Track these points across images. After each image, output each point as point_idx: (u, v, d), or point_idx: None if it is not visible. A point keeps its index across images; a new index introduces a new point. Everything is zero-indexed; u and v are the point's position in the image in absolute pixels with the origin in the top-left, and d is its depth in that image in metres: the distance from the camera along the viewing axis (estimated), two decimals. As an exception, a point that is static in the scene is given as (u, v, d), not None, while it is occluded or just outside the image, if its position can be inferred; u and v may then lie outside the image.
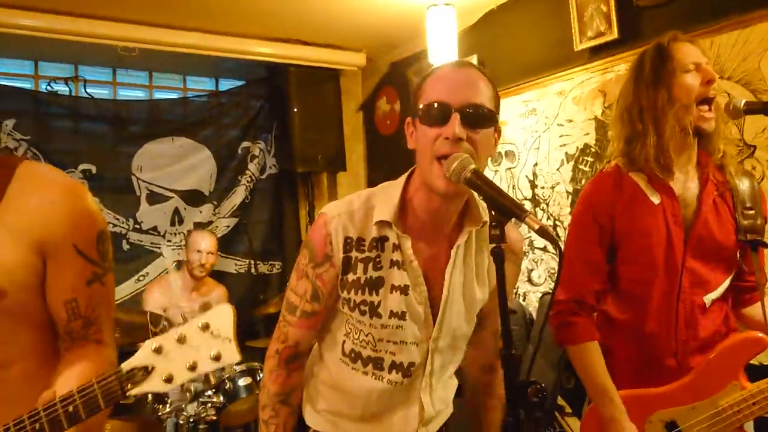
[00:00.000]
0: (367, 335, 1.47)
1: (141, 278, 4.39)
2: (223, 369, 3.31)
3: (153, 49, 4.11)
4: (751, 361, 1.81)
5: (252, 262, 4.76)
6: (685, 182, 1.82)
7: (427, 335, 1.49)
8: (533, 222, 1.16)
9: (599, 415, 1.79)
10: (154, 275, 4.43)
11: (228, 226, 4.77)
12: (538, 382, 1.24)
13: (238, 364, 3.55)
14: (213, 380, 3.20)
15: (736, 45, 2.71)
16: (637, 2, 2.87)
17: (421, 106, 1.37)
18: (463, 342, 1.58)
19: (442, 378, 1.58)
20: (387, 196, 1.45)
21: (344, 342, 1.51)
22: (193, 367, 1.11)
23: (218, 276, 4.52)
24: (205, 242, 3.95)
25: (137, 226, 4.45)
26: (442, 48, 3.67)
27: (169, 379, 1.11)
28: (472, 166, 1.26)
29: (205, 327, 1.11)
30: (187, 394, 3.21)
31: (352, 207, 1.45)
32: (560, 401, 3.15)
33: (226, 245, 4.74)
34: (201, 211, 4.67)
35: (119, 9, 3.81)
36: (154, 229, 4.51)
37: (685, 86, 1.74)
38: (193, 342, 1.11)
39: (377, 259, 1.44)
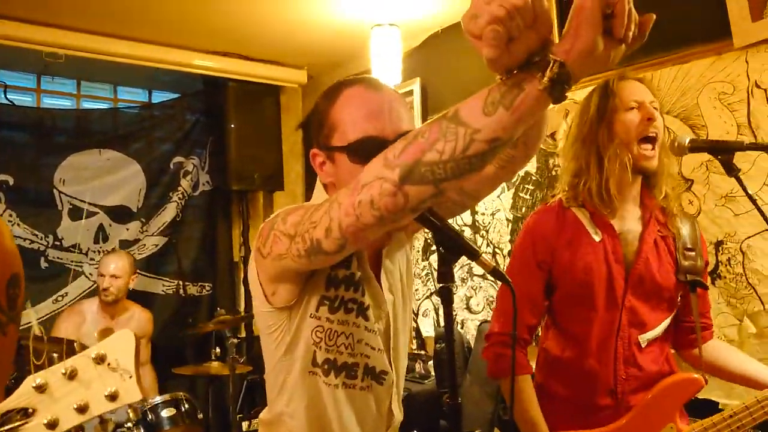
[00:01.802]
0: (348, 337, 1.34)
1: (59, 298, 4.13)
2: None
3: (82, 57, 3.90)
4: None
5: (181, 283, 4.54)
6: (627, 220, 1.84)
7: (386, 348, 1.41)
8: (486, 263, 1.12)
9: None
10: (74, 295, 4.17)
11: (156, 245, 4.55)
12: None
13: (162, 393, 3.35)
14: (109, 425, 2.95)
15: (675, 80, 2.74)
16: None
17: (344, 141, 1.24)
18: (406, 347, 1.51)
19: (401, 387, 1.49)
20: None
21: (315, 352, 1.34)
22: (82, 409, 0.96)
23: (144, 297, 4.30)
24: (114, 265, 3.69)
25: (57, 243, 4.19)
26: (385, 69, 3.61)
27: (52, 424, 0.95)
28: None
29: (100, 359, 0.98)
30: (107, 425, 2.99)
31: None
32: (497, 432, 3.11)
33: (154, 265, 4.53)
34: (128, 229, 4.44)
35: (47, 13, 3.60)
36: (76, 246, 4.25)
37: (624, 123, 1.77)
38: (84, 377, 0.97)
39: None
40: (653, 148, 1.77)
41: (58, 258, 4.18)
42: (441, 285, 1.14)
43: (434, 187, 0.97)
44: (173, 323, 4.35)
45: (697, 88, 2.69)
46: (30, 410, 0.95)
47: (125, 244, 4.39)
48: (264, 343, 1.40)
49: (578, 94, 3.12)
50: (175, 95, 4.81)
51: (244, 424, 3.60)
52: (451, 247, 1.14)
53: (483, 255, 1.12)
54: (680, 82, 2.73)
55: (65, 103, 4.61)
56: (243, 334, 4.65)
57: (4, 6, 3.49)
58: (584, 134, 1.83)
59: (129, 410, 2.98)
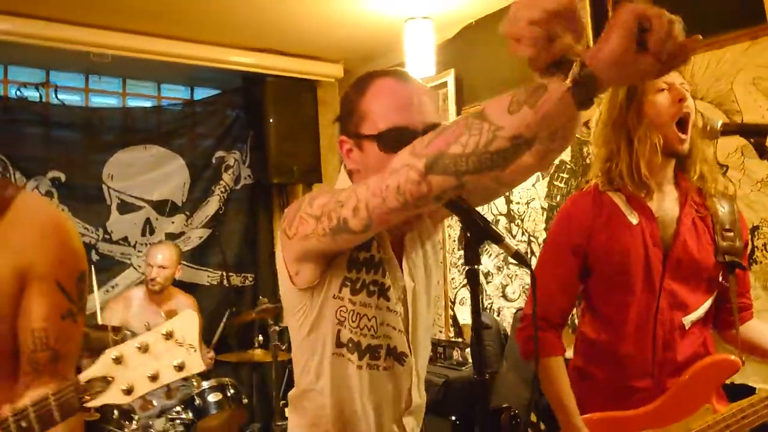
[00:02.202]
0: (370, 319, 1.37)
1: (110, 289, 4.30)
2: (186, 380, 3.23)
3: (127, 56, 4.04)
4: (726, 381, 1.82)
5: (225, 273, 4.68)
6: (664, 202, 1.83)
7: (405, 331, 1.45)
8: (509, 247, 1.15)
9: (561, 427, 1.80)
10: (123, 286, 4.34)
11: (201, 237, 4.70)
12: (512, 408, 1.23)
13: (207, 379, 3.48)
14: (175, 393, 3.11)
15: (709, 66, 2.74)
16: (613, 22, 2.88)
17: (374, 130, 1.29)
18: (428, 334, 1.52)
19: (421, 373, 1.51)
20: None
21: (339, 331, 1.36)
22: (154, 377, 1.08)
23: (190, 288, 4.45)
24: (161, 255, 3.86)
25: (107, 237, 4.36)
26: (419, 61, 3.66)
27: (129, 391, 1.08)
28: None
29: (169, 335, 1.09)
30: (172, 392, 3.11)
31: None
32: (533, 418, 3.15)
33: (198, 257, 4.68)
34: (173, 222, 4.59)
35: (93, 14, 3.73)
36: (125, 239, 4.43)
37: (655, 105, 1.77)
38: (155, 351, 1.09)
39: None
40: (686, 132, 1.77)
41: (108, 251, 4.36)
42: (468, 267, 1.18)
43: (456, 179, 1.03)
44: (217, 312, 4.50)
45: (731, 73, 2.68)
46: (109, 378, 1.08)
47: (171, 237, 4.53)
48: (289, 324, 1.45)
49: (612, 81, 3.14)
50: (216, 92, 4.93)
51: (287, 410, 3.70)
52: (476, 231, 1.18)
53: (506, 239, 1.16)
54: (714, 67, 2.72)
55: (112, 102, 4.77)
56: (283, 323, 4.76)
57: (54, 9, 3.63)
58: (614, 119, 1.83)
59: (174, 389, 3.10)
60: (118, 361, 1.08)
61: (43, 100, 4.34)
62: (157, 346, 1.09)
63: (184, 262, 4.50)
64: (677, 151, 1.78)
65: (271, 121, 4.56)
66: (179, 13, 3.79)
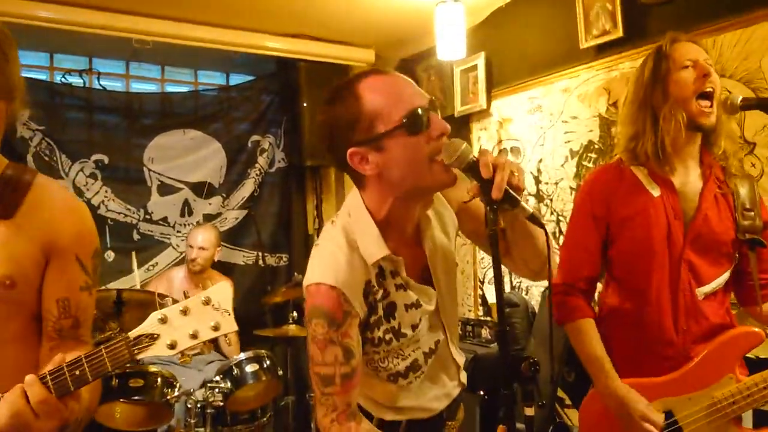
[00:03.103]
0: (396, 355, 1.50)
1: (150, 268, 4.47)
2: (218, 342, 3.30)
3: (166, 43, 4.17)
4: (749, 355, 1.87)
5: (260, 254, 4.82)
6: (687, 177, 1.88)
7: (437, 312, 1.54)
8: (525, 209, 1.24)
9: (596, 387, 1.87)
10: (163, 265, 4.51)
11: (236, 218, 4.84)
12: (531, 357, 1.30)
13: (245, 350, 3.62)
14: (206, 351, 3.23)
15: (738, 44, 2.75)
16: (642, 0, 2.91)
17: (394, 122, 1.29)
18: (454, 293, 1.62)
19: (455, 332, 1.65)
20: (363, 232, 1.41)
21: (378, 373, 1.51)
22: (194, 336, 1.23)
23: (226, 267, 4.61)
24: (201, 236, 4.01)
25: (148, 217, 4.53)
26: (449, 45, 3.72)
27: (172, 345, 1.22)
28: (473, 154, 1.27)
29: (207, 301, 1.24)
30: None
31: (340, 260, 1.38)
32: (560, 393, 3.21)
33: (234, 237, 4.82)
34: (210, 203, 4.74)
35: (134, 2, 3.88)
36: (164, 219, 4.59)
37: (680, 82, 1.81)
38: (195, 313, 1.23)
39: (385, 290, 1.45)
40: (711, 105, 1.80)
41: (148, 231, 4.52)
42: (490, 230, 1.24)
43: None
44: (253, 291, 4.65)
45: (761, 51, 2.69)
46: (155, 335, 1.22)
47: (208, 218, 4.68)
48: None
49: (639, 62, 3.16)
50: (251, 77, 5.05)
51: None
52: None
53: (522, 202, 1.24)
54: (742, 46, 2.74)
55: (151, 88, 4.92)
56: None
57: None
58: (640, 98, 1.88)
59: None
60: (163, 320, 1.22)
61: (87, 86, 4.51)
62: (197, 310, 1.23)
63: (222, 243, 4.66)
64: (702, 124, 1.82)
65: (304, 105, 4.66)
66: (216, 0, 3.91)
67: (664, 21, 3.05)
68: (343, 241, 1.41)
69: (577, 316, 1.92)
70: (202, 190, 4.71)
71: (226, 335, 1.31)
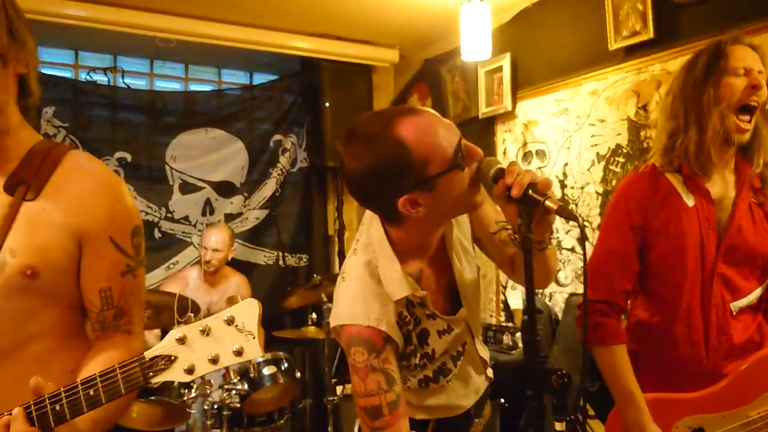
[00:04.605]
0: (429, 369, 1.53)
1: (171, 266, 4.47)
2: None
3: (189, 41, 4.18)
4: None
5: (280, 254, 4.80)
6: (722, 186, 1.80)
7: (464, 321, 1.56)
8: (552, 203, 1.20)
9: (624, 419, 1.78)
10: (184, 264, 4.50)
11: (258, 218, 4.82)
12: (562, 370, 1.25)
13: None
14: (233, 376, 3.22)
15: (774, 47, 2.65)
16: (674, 0, 2.83)
17: (447, 162, 1.28)
18: (478, 297, 1.64)
19: (479, 328, 1.67)
20: (387, 268, 1.41)
21: (408, 381, 1.53)
22: (214, 360, 1.12)
23: (247, 267, 4.59)
24: (215, 237, 3.95)
25: (169, 215, 4.53)
26: (475, 45, 3.65)
27: (190, 370, 1.12)
28: (498, 165, 1.30)
29: (230, 321, 1.12)
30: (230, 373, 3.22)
31: (369, 299, 1.39)
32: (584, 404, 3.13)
33: (256, 237, 4.80)
34: (232, 203, 4.73)
35: (158, 0, 3.87)
36: (186, 218, 4.58)
37: (730, 87, 1.71)
38: (217, 335, 1.12)
39: (417, 319, 1.46)
40: (750, 120, 1.72)
41: (170, 229, 4.52)
42: (523, 236, 1.24)
43: None
44: (273, 291, 4.63)
45: (797, 54, 2.59)
46: (172, 357, 1.12)
47: (229, 218, 4.67)
48: None
49: (670, 64, 3.08)
50: (274, 77, 5.03)
51: (338, 389, 3.77)
52: (521, 197, 1.23)
53: (548, 199, 1.21)
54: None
55: (175, 86, 4.92)
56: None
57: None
58: (687, 93, 1.77)
59: (231, 372, 3.20)
60: (181, 341, 1.12)
61: (111, 83, 4.54)
62: (219, 331, 1.12)
63: (241, 242, 4.66)
64: (733, 139, 1.73)
65: (327, 105, 4.63)
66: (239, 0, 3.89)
67: (697, 22, 2.96)
68: (368, 278, 1.41)
69: (614, 342, 1.81)
70: (224, 189, 4.70)
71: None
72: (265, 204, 4.84)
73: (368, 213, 1.49)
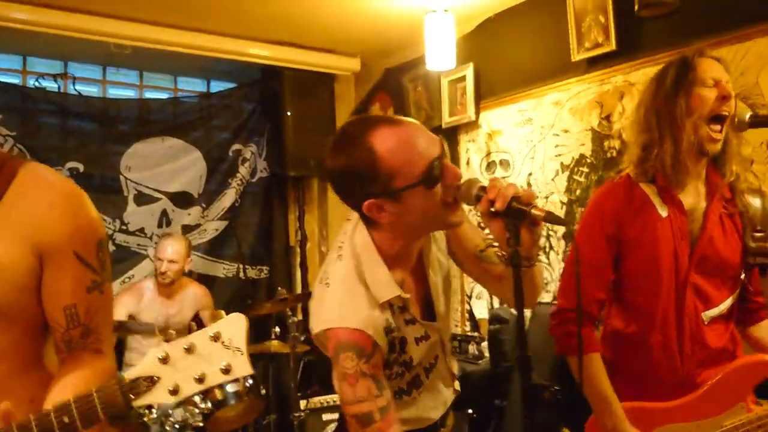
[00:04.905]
0: (404, 380, 1.52)
1: (126, 280, 4.31)
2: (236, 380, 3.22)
3: (144, 48, 4.05)
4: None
5: (241, 266, 4.70)
6: (694, 197, 1.81)
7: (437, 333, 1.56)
8: (539, 211, 1.20)
9: (602, 426, 1.77)
10: (139, 277, 4.34)
11: (216, 230, 4.71)
12: (554, 385, 1.24)
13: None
14: (220, 395, 3.11)
15: (734, 60, 2.72)
16: (639, 13, 2.87)
17: (414, 177, 1.29)
18: (449, 309, 1.64)
19: (449, 341, 1.65)
20: (373, 271, 1.41)
21: None
22: (201, 379, 1.06)
23: (206, 280, 4.47)
24: (171, 248, 3.78)
25: (124, 227, 4.38)
26: (439, 55, 3.65)
27: (174, 391, 1.06)
28: (479, 184, 1.30)
29: (216, 337, 1.07)
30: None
31: (359, 303, 1.37)
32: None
33: (215, 249, 4.69)
34: (189, 214, 4.61)
35: (111, 4, 3.74)
36: (141, 230, 4.44)
37: (701, 98, 1.73)
38: (202, 352, 1.06)
39: (397, 327, 1.44)
40: (721, 130, 1.74)
41: (124, 242, 4.37)
42: (511, 250, 1.23)
43: None
44: (234, 304, 4.50)
45: (757, 66, 2.67)
46: (155, 378, 1.05)
47: (187, 229, 4.55)
48: None
49: (632, 76, 3.13)
50: (232, 85, 4.94)
51: (302, 403, 3.70)
52: (506, 211, 1.22)
53: (533, 208, 1.21)
54: (739, 60, 2.71)
55: (129, 94, 4.78)
56: (300, 316, 4.77)
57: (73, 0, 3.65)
58: (659, 105, 1.78)
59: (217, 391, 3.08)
60: (164, 360, 1.05)
61: (61, 90, 4.36)
62: (204, 348, 1.06)
63: (200, 254, 4.54)
64: (707, 150, 1.75)
65: (288, 113, 4.56)
66: (198, 5, 3.80)
67: (659, 35, 3.02)
68: (356, 282, 1.40)
69: (588, 351, 1.79)
70: (181, 200, 4.57)
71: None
72: (224, 215, 4.73)
73: (350, 221, 1.50)
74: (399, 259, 1.44)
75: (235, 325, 1.08)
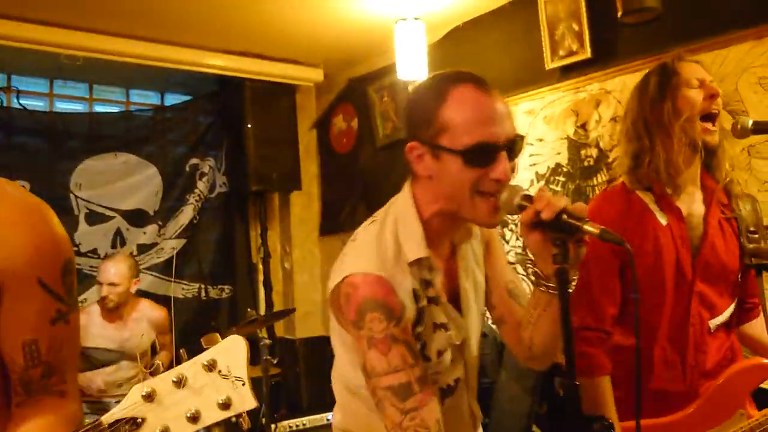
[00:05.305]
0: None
1: (79, 304, 4.04)
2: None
3: (94, 59, 3.85)
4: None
5: (201, 286, 4.50)
6: (689, 203, 1.79)
7: (461, 348, 1.42)
8: (593, 228, 1.12)
9: None
10: (92, 302, 4.07)
11: (174, 248, 4.49)
12: (606, 419, 1.15)
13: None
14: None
15: (713, 66, 2.71)
16: (623, 19, 2.84)
17: (458, 144, 1.23)
18: (478, 332, 1.53)
19: (474, 376, 1.51)
20: (407, 228, 1.34)
21: None
22: (194, 418, 0.91)
23: (164, 301, 4.21)
24: (113, 269, 3.50)
25: (75, 249, 4.10)
26: (411, 64, 3.57)
27: None
28: (523, 193, 1.22)
29: (211, 366, 0.93)
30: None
31: (387, 253, 1.29)
32: (534, 429, 3.08)
33: (172, 269, 4.44)
34: (145, 232, 4.39)
35: (58, 13, 3.54)
36: (94, 251, 4.19)
37: (688, 99, 1.73)
38: (195, 385, 0.92)
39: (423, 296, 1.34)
40: (714, 125, 1.74)
41: (76, 264, 4.09)
42: (557, 267, 1.15)
43: None
44: (194, 326, 4.29)
45: (736, 73, 2.67)
46: (139, 420, 0.90)
47: (143, 248, 4.34)
48: (340, 357, 1.44)
49: (608, 84, 3.11)
50: (188, 97, 4.76)
51: (272, 427, 3.53)
52: (557, 225, 1.14)
53: (587, 223, 1.13)
54: (718, 67, 2.70)
55: (77, 107, 4.56)
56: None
57: (15, 7, 3.43)
58: (646, 112, 1.78)
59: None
60: (149, 398, 0.91)
61: (5, 105, 4.10)
62: (198, 380, 0.92)
63: (156, 274, 4.32)
64: (707, 143, 1.74)
65: (249, 126, 4.41)
66: (150, 14, 3.63)
67: (634, 42, 3.00)
68: (387, 239, 1.32)
69: (599, 374, 1.74)
70: (136, 218, 4.35)
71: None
72: (183, 233, 4.53)
73: (389, 203, 1.43)
74: (432, 233, 1.35)
75: (233, 351, 0.94)
